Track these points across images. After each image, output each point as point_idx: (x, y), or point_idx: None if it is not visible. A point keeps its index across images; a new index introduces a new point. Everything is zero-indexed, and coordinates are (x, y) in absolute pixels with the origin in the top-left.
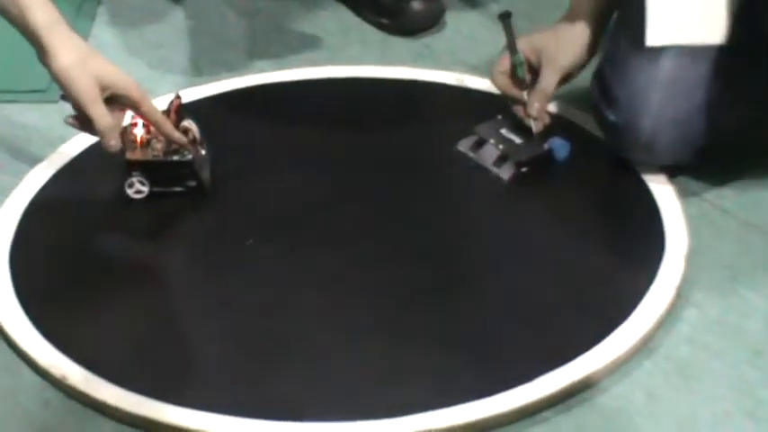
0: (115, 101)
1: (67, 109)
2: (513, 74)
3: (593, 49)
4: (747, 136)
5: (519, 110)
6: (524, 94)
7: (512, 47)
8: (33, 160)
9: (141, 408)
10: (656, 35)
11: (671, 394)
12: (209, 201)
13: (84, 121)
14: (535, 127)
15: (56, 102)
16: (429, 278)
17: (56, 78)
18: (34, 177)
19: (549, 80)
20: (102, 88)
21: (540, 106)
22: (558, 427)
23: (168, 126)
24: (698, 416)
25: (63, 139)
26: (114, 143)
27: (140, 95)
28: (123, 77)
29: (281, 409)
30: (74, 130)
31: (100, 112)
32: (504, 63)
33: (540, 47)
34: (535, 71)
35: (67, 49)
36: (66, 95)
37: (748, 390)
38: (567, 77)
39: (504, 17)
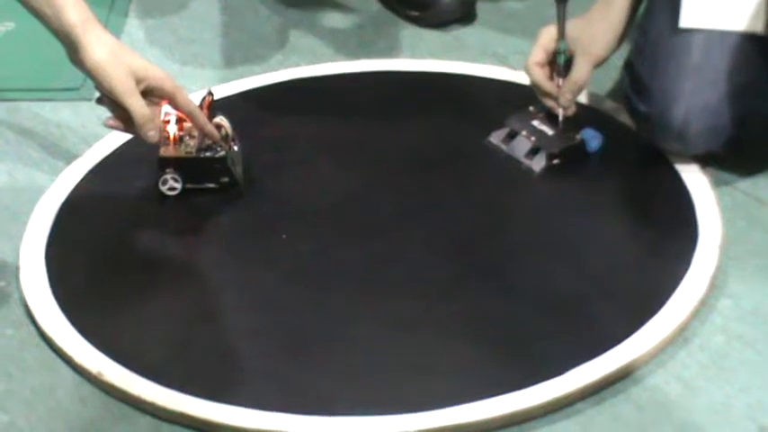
0: (150, 94)
1: (103, 112)
2: (552, 61)
3: (624, 36)
4: None
5: (549, 101)
6: (556, 85)
7: (561, 31)
8: (68, 158)
9: (176, 403)
10: (690, 17)
11: (706, 385)
12: (242, 197)
13: (122, 119)
14: (561, 115)
15: (89, 99)
16: (461, 271)
17: (90, 74)
18: (69, 175)
19: (582, 70)
20: (137, 81)
21: (573, 96)
22: (592, 420)
23: (202, 119)
24: (732, 406)
25: (97, 137)
26: (153, 133)
27: (175, 87)
28: (157, 69)
29: (315, 404)
30: (107, 128)
31: (137, 103)
32: (539, 54)
33: (573, 36)
34: (566, 61)
35: (101, 45)
36: (102, 90)
37: None
38: (597, 65)
39: (561, 1)
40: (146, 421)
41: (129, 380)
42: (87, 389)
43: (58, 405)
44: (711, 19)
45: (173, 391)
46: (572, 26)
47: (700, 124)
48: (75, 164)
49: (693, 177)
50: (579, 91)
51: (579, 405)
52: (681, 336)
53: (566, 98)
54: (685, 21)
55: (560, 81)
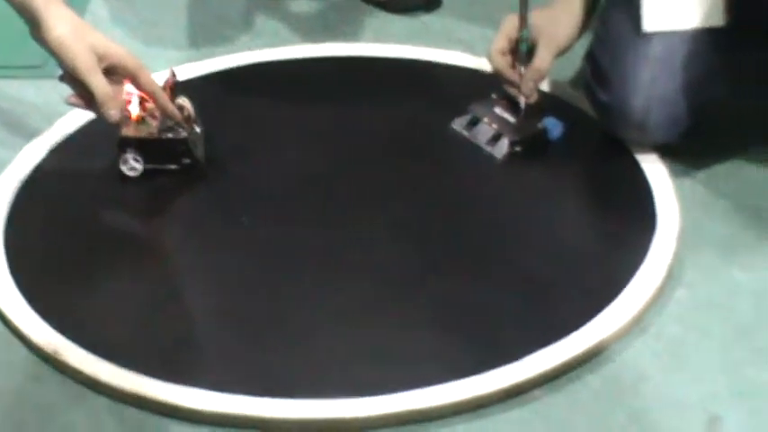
0: (112, 73)
1: (65, 90)
2: (515, 49)
3: (585, 26)
4: (737, 115)
5: (512, 89)
6: (518, 73)
7: (523, 20)
8: (29, 135)
9: (133, 384)
10: (652, 21)
11: (660, 373)
12: (203, 178)
13: (84, 97)
14: (523, 102)
15: (52, 77)
16: (420, 256)
17: (52, 50)
18: (30, 153)
19: (544, 58)
20: (99, 58)
21: (534, 85)
22: (548, 406)
23: (165, 98)
24: (686, 395)
25: (59, 115)
26: (114, 112)
27: (137, 66)
28: (119, 48)
29: (273, 386)
30: (70, 106)
31: (98, 81)
32: (502, 42)
33: (535, 24)
34: (529, 50)
35: (63, 22)
36: (64, 67)
37: (737, 369)
38: (559, 54)
39: None
40: (102, 402)
41: (86, 360)
42: (43, 368)
43: (12, 384)
44: (673, 20)
45: (130, 372)
46: (535, 15)
47: (659, 114)
48: (35, 141)
49: (652, 167)
50: (541, 79)
51: (536, 392)
52: (637, 324)
53: (527, 86)
54: (648, 25)
55: (522, 69)
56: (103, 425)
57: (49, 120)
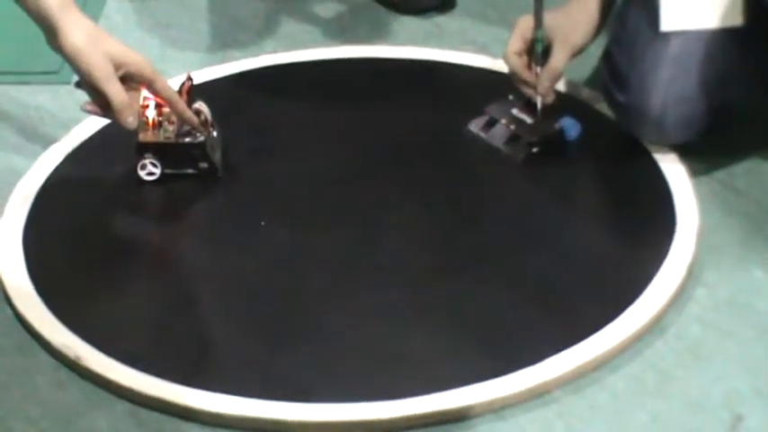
0: (129, 80)
1: (81, 96)
2: (530, 50)
3: (601, 26)
4: (754, 113)
5: (528, 90)
6: (534, 74)
7: (538, 20)
8: (46, 142)
9: (154, 389)
10: (670, 20)
11: (682, 374)
12: (221, 183)
13: (101, 105)
14: (540, 103)
15: (68, 83)
16: (440, 259)
17: (69, 59)
18: (47, 159)
19: (560, 58)
20: (116, 66)
21: (550, 85)
22: (568, 408)
23: (181, 104)
24: (709, 395)
25: (76, 121)
26: (132, 120)
27: (154, 73)
28: (136, 55)
29: (292, 390)
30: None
31: (115, 89)
32: (517, 43)
33: (551, 25)
34: (544, 50)
35: (79, 30)
36: (80, 75)
37: (758, 368)
38: (575, 54)
39: None
40: (123, 407)
41: (107, 365)
42: (65, 373)
43: (34, 389)
44: (691, 20)
45: (150, 376)
46: (550, 15)
47: (677, 114)
48: (53, 148)
49: (671, 167)
50: (557, 79)
51: (556, 393)
52: (657, 325)
53: (544, 86)
54: (666, 24)
55: (538, 69)
56: (124, 429)
57: (66, 126)
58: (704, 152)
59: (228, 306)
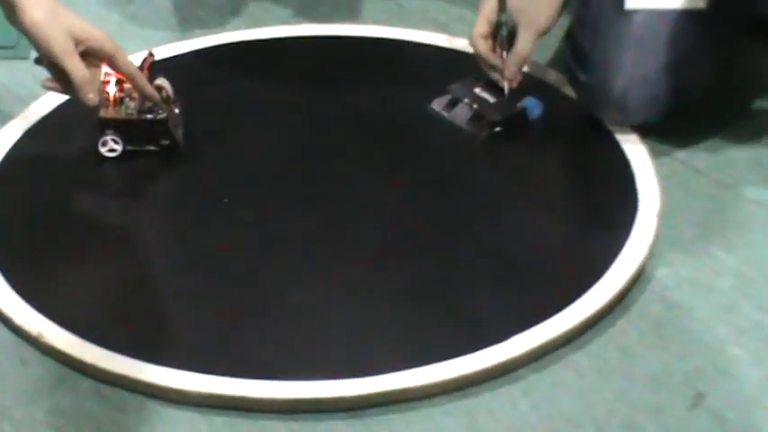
0: (89, 56)
1: (40, 73)
2: (495, 33)
3: (565, 6)
4: (716, 94)
5: (495, 74)
6: (500, 57)
7: (502, 3)
8: (3, 118)
9: (118, 366)
10: None
11: (644, 352)
12: (183, 159)
13: (61, 81)
14: (507, 87)
15: (25, 58)
16: (403, 237)
17: (28, 34)
18: (5, 135)
19: (526, 42)
20: (76, 42)
21: (517, 69)
22: (532, 386)
23: (143, 80)
24: (670, 373)
25: (34, 97)
26: (92, 96)
27: (115, 48)
28: (96, 30)
29: (257, 367)
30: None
31: (76, 65)
32: (483, 26)
33: (515, 7)
34: (510, 33)
35: (38, 5)
36: (40, 51)
37: (719, 346)
38: (540, 36)
39: None
40: (87, 384)
41: (70, 342)
42: (27, 351)
43: None
44: None
45: (114, 353)
46: (514, 0)
47: (639, 94)
48: (11, 124)
49: (633, 147)
50: (524, 63)
51: (521, 371)
52: (620, 304)
53: (511, 71)
54: (630, 2)
55: (504, 53)
56: (89, 407)
57: (24, 102)
58: (666, 132)
59: (193, 283)
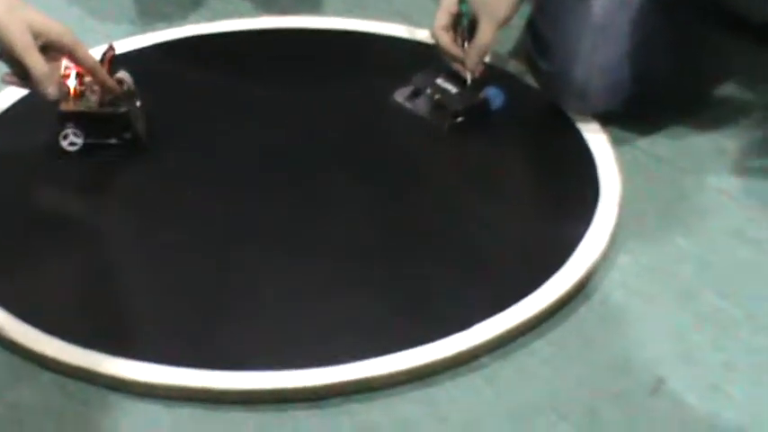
0: (49, 49)
1: (0, 68)
2: (456, 24)
3: None
4: (677, 82)
5: (457, 65)
6: (462, 48)
7: None
8: None
9: (81, 359)
10: None
11: (606, 338)
12: (145, 153)
13: (20, 75)
14: (469, 78)
15: None
16: (367, 229)
17: None
18: None
19: (487, 33)
20: (35, 35)
21: (478, 59)
22: (496, 373)
23: (103, 73)
24: (632, 359)
25: None
26: (52, 90)
27: (74, 41)
28: (55, 24)
29: (221, 358)
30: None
31: (35, 59)
32: (444, 18)
33: (476, 0)
34: (471, 24)
35: None
36: None
37: (680, 333)
38: (501, 26)
39: None
40: (49, 378)
41: (32, 336)
42: None
43: None
44: None
45: (76, 347)
46: None
47: (600, 82)
48: None
49: (594, 136)
50: (485, 54)
51: (484, 359)
52: (582, 291)
53: (472, 61)
54: None
55: (466, 45)
56: (51, 401)
57: None
58: (627, 120)
59: (156, 276)
